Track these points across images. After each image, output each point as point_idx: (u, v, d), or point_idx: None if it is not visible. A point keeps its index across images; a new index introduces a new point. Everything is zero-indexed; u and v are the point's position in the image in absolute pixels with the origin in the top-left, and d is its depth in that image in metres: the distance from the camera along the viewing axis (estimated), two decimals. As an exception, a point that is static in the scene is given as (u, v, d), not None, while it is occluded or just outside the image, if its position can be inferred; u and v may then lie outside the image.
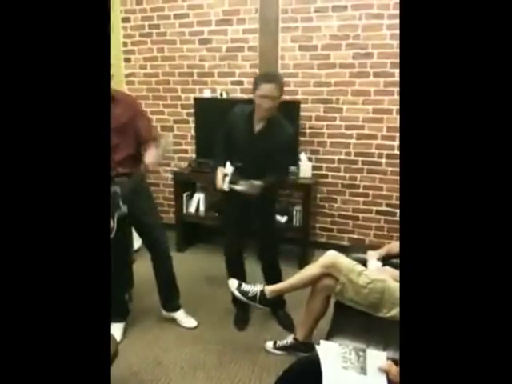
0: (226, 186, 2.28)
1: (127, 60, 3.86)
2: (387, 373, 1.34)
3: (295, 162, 3.30)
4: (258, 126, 2.28)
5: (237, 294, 2.18)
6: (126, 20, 3.81)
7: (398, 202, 3.17)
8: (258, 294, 2.15)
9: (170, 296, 2.56)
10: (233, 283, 2.21)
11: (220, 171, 2.31)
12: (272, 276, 2.52)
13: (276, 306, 2.52)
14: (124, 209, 2.15)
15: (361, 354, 1.42)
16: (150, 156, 2.16)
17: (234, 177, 2.27)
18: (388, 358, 1.39)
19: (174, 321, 2.58)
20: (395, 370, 1.32)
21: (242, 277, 2.50)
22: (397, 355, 1.11)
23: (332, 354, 1.40)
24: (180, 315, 2.57)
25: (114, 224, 2.12)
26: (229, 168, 2.31)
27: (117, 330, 2.39)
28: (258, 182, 2.20)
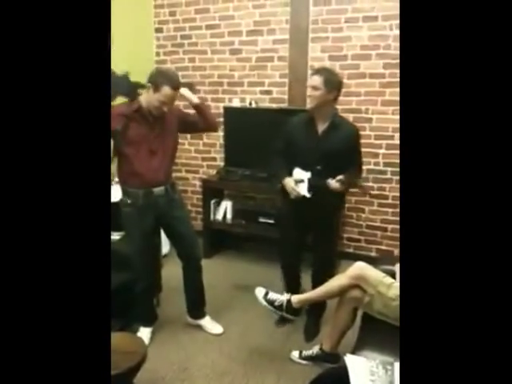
0: (305, 192, 2.28)
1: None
2: None
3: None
4: (321, 128, 2.33)
5: (263, 302, 2.19)
6: (158, 30, 3.91)
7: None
8: (285, 303, 2.15)
9: (196, 304, 2.60)
10: (260, 292, 2.22)
11: (289, 180, 2.33)
12: (320, 283, 2.36)
13: (298, 315, 2.48)
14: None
15: (388, 367, 1.40)
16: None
17: (312, 181, 2.27)
18: None
19: (200, 327, 2.60)
20: None
21: (296, 289, 2.51)
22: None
23: (360, 367, 1.39)
24: (206, 322, 2.60)
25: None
26: (302, 174, 2.31)
27: (145, 334, 2.44)
28: (339, 177, 2.20)
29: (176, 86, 2.12)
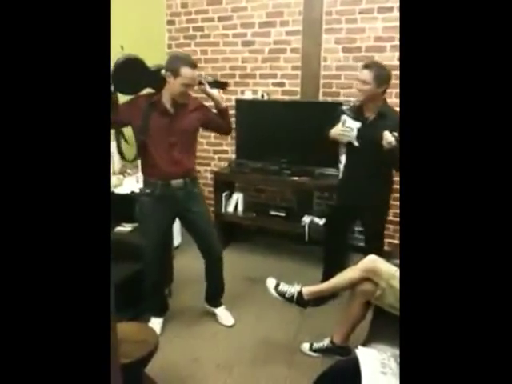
0: (354, 140, 2.37)
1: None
2: None
3: (335, 163, 3.27)
4: (370, 117, 2.39)
5: (274, 293, 2.19)
6: (170, 23, 3.90)
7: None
8: (296, 295, 2.15)
9: (216, 294, 2.64)
10: (271, 282, 2.22)
11: (339, 126, 2.41)
12: (374, 249, 2.39)
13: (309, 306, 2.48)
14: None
15: (399, 360, 1.39)
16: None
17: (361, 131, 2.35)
18: None
19: (211, 317, 2.62)
20: None
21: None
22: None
23: (371, 359, 1.38)
24: (220, 311, 2.63)
25: None
26: (352, 123, 2.37)
27: (156, 324, 2.46)
28: (395, 133, 2.18)
29: (193, 64, 2.12)
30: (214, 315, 2.64)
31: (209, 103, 2.42)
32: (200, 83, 2.27)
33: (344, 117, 2.41)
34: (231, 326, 2.57)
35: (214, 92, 2.31)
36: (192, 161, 2.38)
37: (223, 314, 2.62)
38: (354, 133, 2.37)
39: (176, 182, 2.27)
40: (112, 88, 2.08)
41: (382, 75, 2.28)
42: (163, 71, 2.15)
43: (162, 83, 2.17)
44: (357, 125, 2.35)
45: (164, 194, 2.27)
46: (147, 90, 2.31)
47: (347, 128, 2.37)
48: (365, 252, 2.41)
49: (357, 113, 2.41)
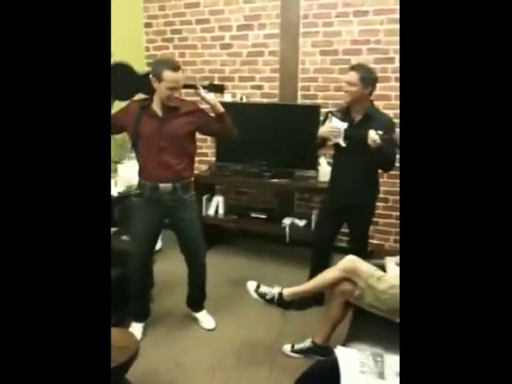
0: (340, 141, 2.39)
1: (149, 65, 3.92)
2: None
3: (314, 165, 3.30)
4: (357, 118, 2.43)
5: (255, 295, 2.20)
6: (148, 25, 3.88)
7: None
8: (276, 296, 2.16)
9: (198, 299, 2.64)
10: (251, 285, 2.23)
11: (327, 125, 2.43)
12: (361, 251, 2.45)
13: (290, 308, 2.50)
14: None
15: (378, 359, 1.42)
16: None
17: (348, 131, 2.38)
18: None
19: (193, 321, 2.62)
20: None
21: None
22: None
23: (350, 358, 1.40)
24: (202, 316, 2.63)
25: None
26: (338, 123, 2.39)
27: (137, 329, 2.44)
28: (380, 131, 2.21)
29: (175, 67, 2.12)
30: (195, 319, 2.63)
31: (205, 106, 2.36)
32: (195, 87, 2.25)
33: (331, 117, 2.44)
34: (213, 330, 2.57)
35: (210, 96, 2.26)
36: (184, 166, 2.30)
37: (205, 318, 2.62)
38: (342, 133, 2.39)
39: (164, 186, 2.26)
40: None
41: (368, 77, 2.32)
42: (151, 76, 2.16)
43: (151, 88, 2.17)
44: (344, 125, 2.39)
45: (152, 196, 2.28)
46: (140, 96, 2.32)
47: (335, 129, 2.40)
48: (349, 253, 2.45)
49: (344, 114, 2.44)
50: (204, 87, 2.26)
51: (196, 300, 2.64)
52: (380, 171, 2.59)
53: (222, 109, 2.26)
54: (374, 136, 2.18)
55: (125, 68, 2.20)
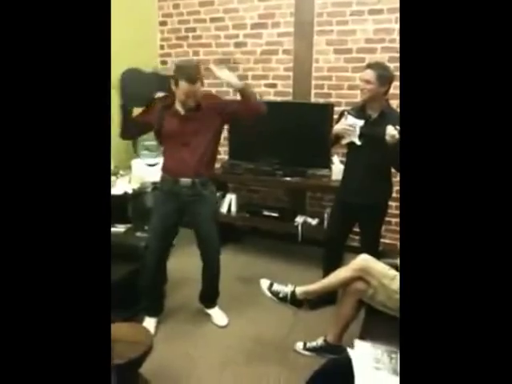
0: (356, 139, 2.38)
1: (163, 63, 3.95)
2: None
3: (327, 164, 3.30)
4: (373, 115, 2.42)
5: (268, 294, 2.20)
6: (163, 24, 3.91)
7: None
8: (289, 295, 2.17)
9: (211, 295, 2.66)
10: (264, 283, 2.24)
11: (342, 123, 2.43)
12: (371, 249, 2.42)
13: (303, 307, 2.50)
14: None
15: (393, 355, 1.42)
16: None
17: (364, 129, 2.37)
18: None
19: (206, 317, 2.64)
20: None
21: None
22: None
23: (364, 354, 1.41)
24: (215, 312, 2.65)
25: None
26: (354, 121, 2.38)
27: (150, 324, 2.46)
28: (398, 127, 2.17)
29: (192, 79, 2.09)
30: (208, 315, 2.65)
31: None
32: (208, 69, 2.26)
33: (346, 115, 2.43)
34: (225, 326, 2.58)
35: (224, 73, 2.17)
36: (203, 163, 2.32)
37: (217, 315, 2.64)
38: (357, 131, 2.38)
39: (184, 181, 2.31)
40: (122, 102, 2.16)
41: (384, 75, 2.32)
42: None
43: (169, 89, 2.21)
44: (360, 123, 2.38)
45: (172, 189, 2.34)
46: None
47: (350, 127, 2.39)
48: (360, 252, 2.44)
49: (359, 112, 2.43)
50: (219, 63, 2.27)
51: (209, 296, 2.66)
52: (393, 170, 2.58)
53: (239, 84, 2.16)
54: (392, 131, 2.16)
55: (135, 73, 2.22)
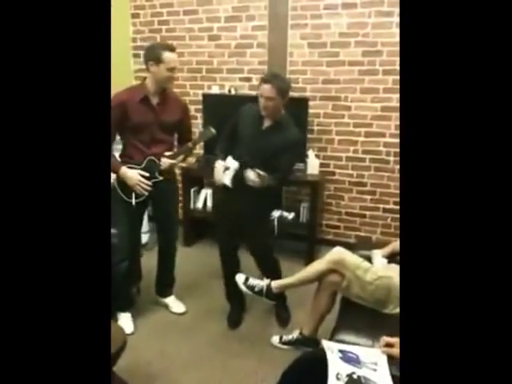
0: (227, 181, 2.25)
1: (136, 56, 3.88)
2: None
3: (303, 158, 3.30)
4: (266, 123, 2.28)
5: (244, 288, 2.20)
6: (135, 16, 3.83)
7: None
8: (265, 289, 2.17)
9: (165, 283, 2.69)
10: (240, 278, 2.24)
11: (219, 164, 2.30)
12: (268, 270, 2.47)
13: (279, 300, 2.50)
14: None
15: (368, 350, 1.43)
16: (170, 160, 2.32)
17: (238, 172, 2.23)
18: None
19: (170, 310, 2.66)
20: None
21: (236, 272, 2.40)
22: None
23: (337, 349, 1.41)
24: (170, 301, 2.70)
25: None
26: (232, 162, 2.26)
27: (126, 320, 2.45)
28: (265, 174, 2.13)
29: (172, 48, 2.20)
30: (165, 305, 2.69)
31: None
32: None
33: (228, 158, 2.29)
34: (183, 314, 2.63)
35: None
36: (162, 150, 2.35)
37: (174, 303, 2.68)
38: (231, 173, 2.25)
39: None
40: None
41: (283, 87, 2.16)
42: (145, 62, 2.21)
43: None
44: (235, 165, 2.24)
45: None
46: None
47: (226, 170, 2.26)
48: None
49: (256, 119, 2.28)
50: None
51: (165, 285, 2.69)
52: None
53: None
54: (251, 176, 2.14)
55: None
